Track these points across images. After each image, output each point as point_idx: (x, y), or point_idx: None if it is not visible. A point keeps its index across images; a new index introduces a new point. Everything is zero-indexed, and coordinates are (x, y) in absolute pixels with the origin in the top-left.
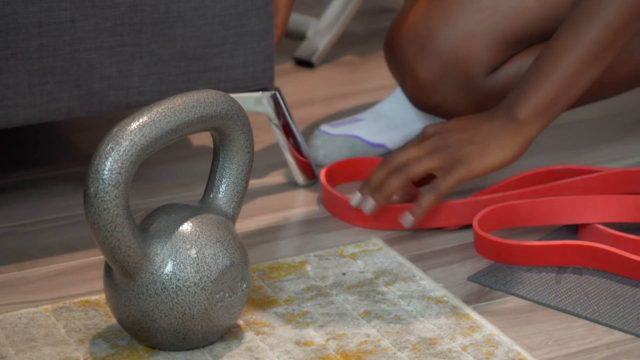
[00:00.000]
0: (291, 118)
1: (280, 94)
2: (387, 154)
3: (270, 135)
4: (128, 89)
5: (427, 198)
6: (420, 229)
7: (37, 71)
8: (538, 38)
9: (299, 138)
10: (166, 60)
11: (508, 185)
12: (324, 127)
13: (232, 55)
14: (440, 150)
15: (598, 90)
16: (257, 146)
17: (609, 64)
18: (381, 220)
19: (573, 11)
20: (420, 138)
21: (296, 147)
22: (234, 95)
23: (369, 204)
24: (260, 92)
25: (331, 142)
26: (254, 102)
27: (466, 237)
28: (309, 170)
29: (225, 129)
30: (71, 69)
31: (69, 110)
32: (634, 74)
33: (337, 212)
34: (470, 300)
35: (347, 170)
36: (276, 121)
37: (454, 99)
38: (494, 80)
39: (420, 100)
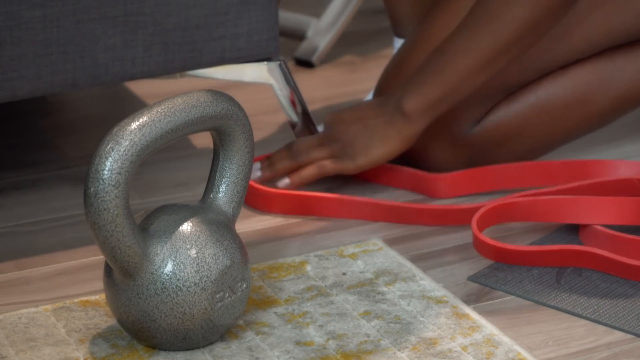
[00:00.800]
0: (297, 88)
1: (285, 64)
2: None
3: (270, 135)
4: (132, 59)
5: (310, 169)
6: (420, 229)
7: (41, 42)
8: (516, 87)
9: (306, 109)
10: (170, 29)
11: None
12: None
13: (236, 24)
14: (330, 144)
15: (584, 124)
16: (257, 146)
17: (497, 72)
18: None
19: (470, 16)
20: (322, 132)
21: (304, 118)
22: (238, 66)
23: (255, 175)
24: (265, 62)
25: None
26: (258, 72)
27: (466, 237)
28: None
29: (225, 129)
30: (75, 39)
31: (73, 81)
32: (617, 104)
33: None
34: (470, 300)
35: None
36: (281, 91)
37: (441, 156)
38: (479, 131)
39: (410, 157)
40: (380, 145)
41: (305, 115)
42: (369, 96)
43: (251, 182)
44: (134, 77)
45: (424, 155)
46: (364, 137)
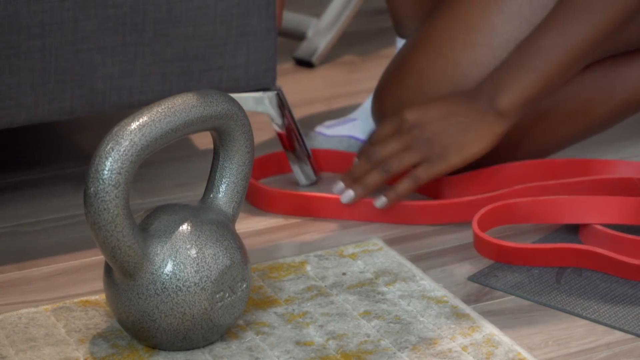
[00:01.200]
0: (293, 118)
1: (281, 93)
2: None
3: (270, 135)
4: (130, 89)
5: (405, 184)
6: (420, 229)
7: (39, 71)
8: None
9: (303, 137)
10: (168, 60)
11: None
12: (319, 129)
13: (234, 55)
14: (420, 145)
15: (584, 131)
16: (257, 146)
17: (590, 61)
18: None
19: (561, 7)
20: (400, 125)
21: (300, 147)
22: (235, 95)
23: (349, 195)
24: (262, 92)
25: (327, 144)
26: (255, 102)
27: (466, 237)
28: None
29: (225, 129)
30: (73, 68)
31: (71, 110)
32: (618, 111)
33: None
34: (470, 300)
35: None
36: (278, 121)
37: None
38: None
39: None
40: (473, 142)
41: (300, 144)
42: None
43: (252, 181)
44: (131, 106)
45: None
46: (456, 135)
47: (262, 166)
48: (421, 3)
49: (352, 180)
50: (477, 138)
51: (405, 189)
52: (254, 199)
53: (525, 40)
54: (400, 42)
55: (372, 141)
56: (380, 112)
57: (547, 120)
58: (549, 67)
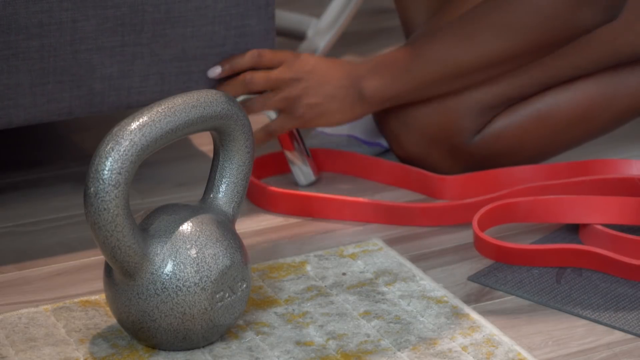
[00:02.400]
0: None
1: None
2: (383, 153)
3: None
4: (129, 89)
5: (259, 133)
6: (420, 229)
7: (38, 71)
8: (517, 99)
9: (302, 137)
10: (167, 60)
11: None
12: (320, 128)
13: None
14: (286, 88)
15: (584, 136)
16: (257, 146)
17: (469, 85)
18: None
19: (457, 24)
20: (290, 64)
21: (299, 147)
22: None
23: (215, 71)
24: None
25: (328, 143)
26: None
27: (466, 237)
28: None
29: (225, 129)
30: (72, 69)
31: (69, 110)
32: (619, 117)
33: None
34: (470, 300)
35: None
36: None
37: (442, 164)
38: (479, 142)
39: (411, 164)
40: (334, 112)
41: (299, 144)
42: None
43: (254, 180)
44: (130, 107)
45: (425, 163)
46: (321, 99)
47: (262, 166)
48: (431, 5)
49: (228, 68)
50: (338, 109)
51: (258, 138)
52: (256, 198)
53: (418, 40)
54: None
55: (258, 60)
56: (382, 115)
57: (547, 126)
58: (424, 76)
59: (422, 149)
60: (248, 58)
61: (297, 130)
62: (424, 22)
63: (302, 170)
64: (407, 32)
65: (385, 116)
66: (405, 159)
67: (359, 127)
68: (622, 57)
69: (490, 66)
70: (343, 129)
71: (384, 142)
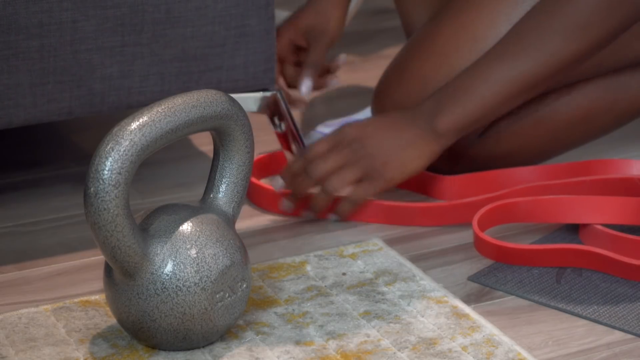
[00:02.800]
0: (292, 118)
1: (281, 95)
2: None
3: (270, 135)
4: (129, 89)
5: (346, 206)
6: (420, 229)
7: (38, 71)
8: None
9: (302, 138)
10: (167, 60)
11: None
12: (320, 128)
13: (233, 56)
14: (359, 160)
15: (584, 138)
16: (257, 146)
17: (540, 92)
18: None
19: (513, 39)
20: (339, 140)
21: (299, 148)
22: (234, 96)
23: (287, 205)
24: (261, 93)
25: None
26: (254, 102)
27: (466, 237)
28: None
29: (225, 129)
30: (72, 69)
31: (69, 110)
32: (620, 119)
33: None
34: (470, 300)
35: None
36: (277, 121)
37: (443, 166)
38: (480, 144)
39: None
40: (413, 159)
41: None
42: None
43: (253, 179)
44: (130, 107)
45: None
46: (396, 151)
47: (263, 166)
48: (432, 5)
49: (289, 181)
50: (416, 155)
51: (345, 210)
52: (256, 199)
53: (475, 65)
54: None
55: (309, 156)
56: (380, 112)
57: (547, 128)
58: (493, 97)
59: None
60: (300, 162)
61: (297, 131)
62: (425, 22)
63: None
64: (408, 32)
65: (383, 111)
66: None
67: None
68: (622, 61)
69: (560, 71)
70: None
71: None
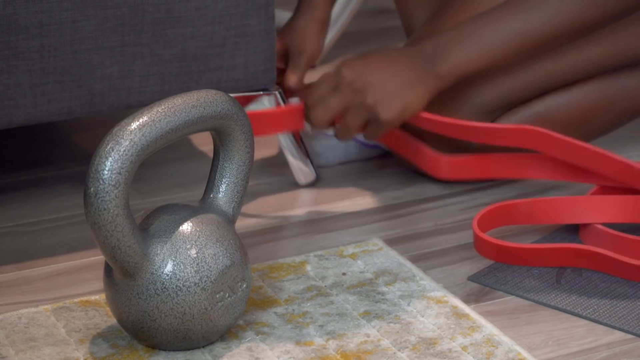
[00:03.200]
0: None
1: (281, 95)
2: (382, 156)
3: (270, 135)
4: (129, 89)
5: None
6: (420, 229)
7: (38, 71)
8: (517, 103)
9: (302, 137)
10: (167, 60)
11: None
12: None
13: (233, 56)
14: (361, 104)
15: (582, 138)
16: (257, 146)
17: (545, 51)
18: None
19: None
20: (338, 81)
21: (298, 147)
22: (234, 96)
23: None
24: (261, 93)
25: (327, 143)
26: (254, 102)
27: (466, 237)
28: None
29: (225, 129)
30: (72, 69)
31: (69, 110)
32: (618, 120)
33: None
34: (470, 300)
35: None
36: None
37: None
38: (479, 144)
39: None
40: (414, 99)
41: (299, 144)
42: None
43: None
44: (130, 107)
45: None
46: (396, 91)
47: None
48: (432, 6)
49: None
50: (416, 95)
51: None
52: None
53: (482, 15)
54: None
55: (311, 100)
56: None
57: (546, 128)
58: (500, 47)
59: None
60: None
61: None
62: (425, 21)
63: (302, 170)
64: (409, 33)
65: None
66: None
67: None
68: (621, 60)
69: (570, 34)
70: None
71: (383, 145)
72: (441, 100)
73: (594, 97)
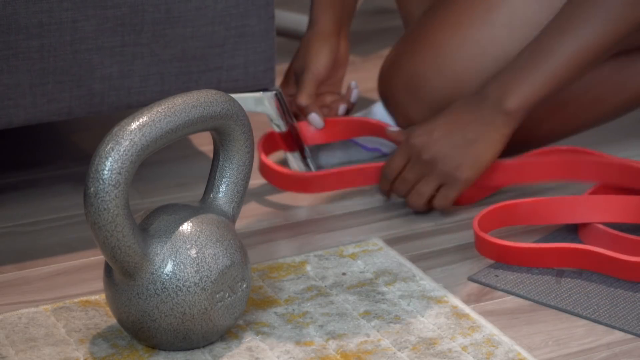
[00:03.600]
0: (292, 118)
1: (281, 94)
2: (382, 158)
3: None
4: (129, 89)
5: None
6: (421, 229)
7: (38, 71)
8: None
9: (300, 138)
10: (167, 60)
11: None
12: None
13: (233, 56)
14: (433, 169)
15: (593, 121)
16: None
17: (603, 61)
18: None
19: (571, 10)
20: (409, 153)
21: (298, 148)
22: (234, 96)
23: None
24: (261, 92)
25: (326, 144)
26: (254, 102)
27: (466, 237)
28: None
29: (225, 129)
30: (72, 69)
31: (69, 110)
32: (629, 103)
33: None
34: (470, 300)
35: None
36: (277, 121)
37: None
38: None
39: None
40: (485, 152)
41: (300, 147)
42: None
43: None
44: (130, 107)
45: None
46: (466, 149)
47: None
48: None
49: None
50: (487, 146)
51: (418, 207)
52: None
53: (535, 41)
54: None
55: (387, 176)
56: (389, 86)
57: (558, 113)
58: (560, 70)
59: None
60: (384, 183)
61: (296, 131)
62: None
63: (302, 170)
64: (407, 24)
65: (391, 86)
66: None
67: None
68: (632, 43)
69: (624, 36)
70: None
71: (382, 148)
72: (451, 68)
73: (605, 80)
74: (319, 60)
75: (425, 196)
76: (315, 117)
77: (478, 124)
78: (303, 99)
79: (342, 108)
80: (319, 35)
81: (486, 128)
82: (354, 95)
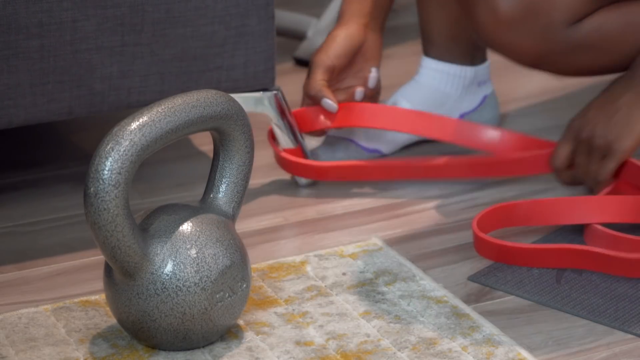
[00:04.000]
0: (291, 117)
1: (281, 94)
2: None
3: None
4: (129, 89)
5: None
6: (421, 229)
7: (38, 71)
8: None
9: (300, 138)
10: (167, 60)
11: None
12: (332, 132)
13: (233, 56)
14: (597, 149)
15: (605, 62)
16: (257, 146)
17: None
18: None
19: None
20: (571, 137)
21: (297, 147)
22: (234, 96)
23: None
24: (261, 92)
25: (326, 144)
26: (254, 102)
27: (466, 237)
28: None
29: (225, 129)
30: (72, 69)
31: (69, 110)
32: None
33: None
34: (470, 300)
35: None
36: (277, 121)
37: (529, 43)
38: (576, 32)
39: (491, 36)
40: (638, 120)
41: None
42: None
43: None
44: (130, 106)
45: (510, 32)
46: (621, 121)
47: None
48: (456, 23)
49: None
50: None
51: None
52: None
53: None
54: (426, 61)
55: (557, 167)
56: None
57: (632, 33)
58: None
59: (517, 13)
60: (561, 175)
61: (297, 131)
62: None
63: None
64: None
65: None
66: (491, 26)
67: (359, 132)
68: None
69: None
70: (342, 132)
71: (382, 148)
72: None
73: (615, 23)
74: (329, 48)
75: (602, 174)
76: (327, 102)
77: (630, 94)
78: (309, 88)
79: (359, 92)
80: (338, 25)
81: (637, 96)
82: (372, 81)
